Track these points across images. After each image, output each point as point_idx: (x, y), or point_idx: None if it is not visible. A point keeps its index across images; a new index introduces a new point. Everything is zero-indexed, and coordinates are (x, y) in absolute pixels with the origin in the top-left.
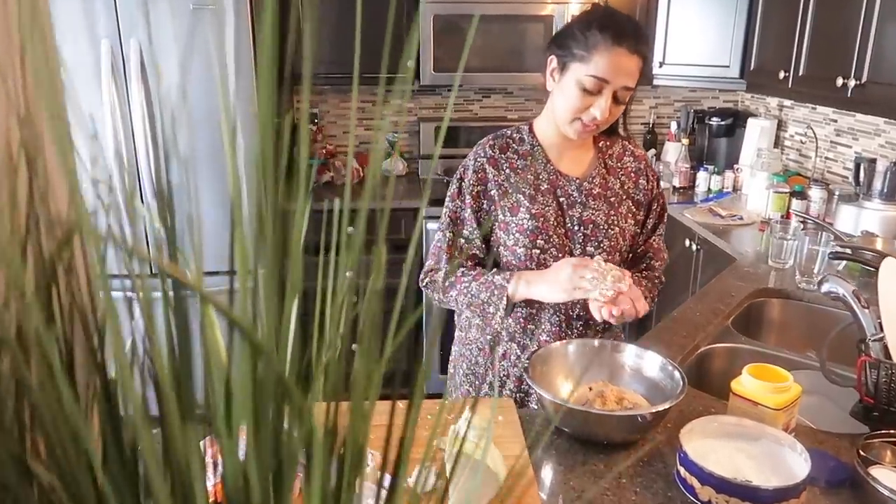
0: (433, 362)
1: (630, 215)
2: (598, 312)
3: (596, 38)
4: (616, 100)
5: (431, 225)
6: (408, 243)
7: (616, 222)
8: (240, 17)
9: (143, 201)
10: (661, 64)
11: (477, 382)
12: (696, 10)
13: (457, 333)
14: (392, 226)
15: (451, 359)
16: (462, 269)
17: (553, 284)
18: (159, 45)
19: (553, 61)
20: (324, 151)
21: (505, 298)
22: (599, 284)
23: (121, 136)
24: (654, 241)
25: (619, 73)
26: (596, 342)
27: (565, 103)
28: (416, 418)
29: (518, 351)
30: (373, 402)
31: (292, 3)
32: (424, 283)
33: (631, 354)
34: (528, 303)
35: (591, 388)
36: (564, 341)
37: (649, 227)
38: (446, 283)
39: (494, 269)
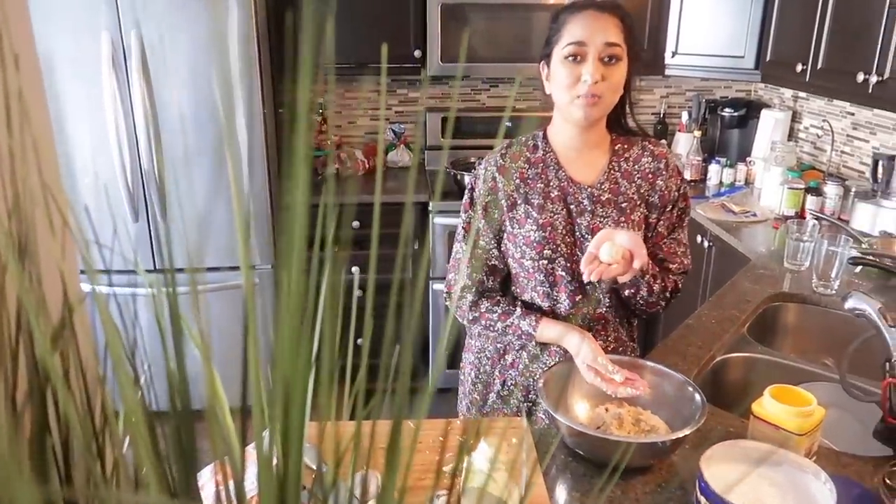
0: (442, 355)
1: (644, 220)
2: (588, 275)
3: (563, 17)
4: (605, 61)
5: (438, 219)
6: (415, 237)
7: (625, 229)
8: (242, 7)
9: (145, 198)
10: (674, 54)
11: (485, 391)
12: (710, 0)
13: (467, 340)
14: (396, 219)
15: (461, 365)
16: (486, 305)
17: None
18: (160, 36)
19: (543, 66)
20: (329, 143)
21: (533, 341)
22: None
23: (122, 131)
24: (665, 244)
25: (594, 32)
26: (615, 358)
27: (559, 85)
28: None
29: (527, 360)
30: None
31: None
32: (447, 300)
33: (648, 373)
34: (540, 312)
35: (607, 410)
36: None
37: (661, 229)
38: (470, 317)
39: (519, 311)
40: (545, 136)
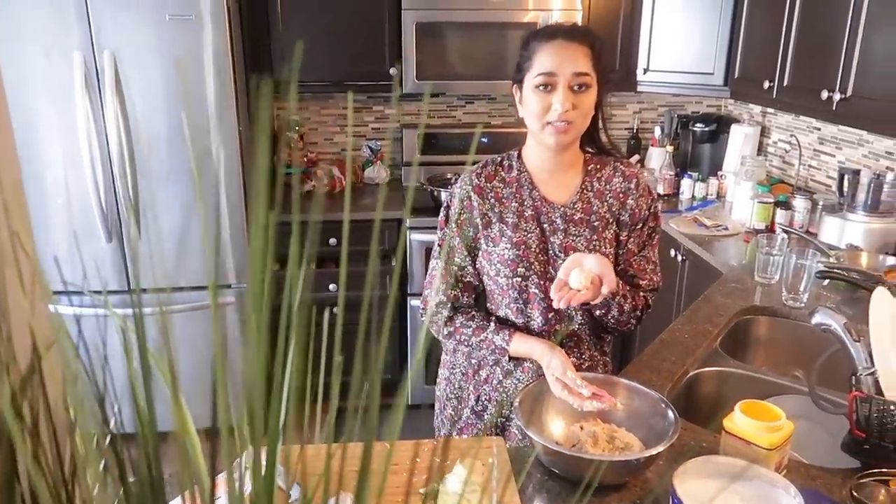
0: (420, 371)
1: (615, 238)
2: (557, 301)
3: (533, 45)
4: (574, 90)
5: (415, 236)
6: (390, 254)
7: (598, 247)
8: (217, 27)
9: (119, 218)
10: (646, 70)
11: (459, 406)
12: (680, 18)
13: (443, 357)
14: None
15: (437, 380)
16: (461, 320)
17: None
18: (135, 56)
19: (515, 90)
20: (305, 160)
21: (506, 357)
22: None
23: (96, 151)
24: (635, 260)
25: (563, 62)
26: (589, 375)
27: (530, 113)
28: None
29: (501, 376)
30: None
31: (272, 11)
32: (423, 315)
33: (622, 390)
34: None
35: (582, 428)
36: None
37: (631, 246)
38: (445, 332)
39: (493, 326)
40: (520, 156)
